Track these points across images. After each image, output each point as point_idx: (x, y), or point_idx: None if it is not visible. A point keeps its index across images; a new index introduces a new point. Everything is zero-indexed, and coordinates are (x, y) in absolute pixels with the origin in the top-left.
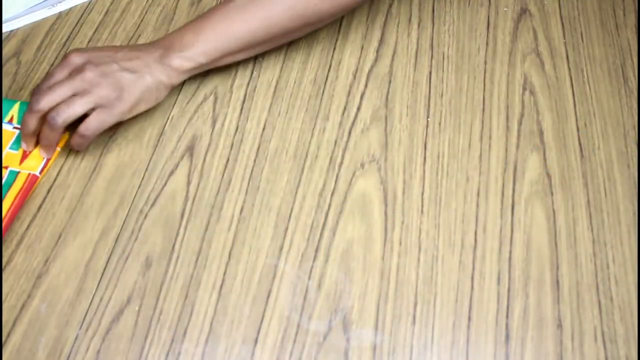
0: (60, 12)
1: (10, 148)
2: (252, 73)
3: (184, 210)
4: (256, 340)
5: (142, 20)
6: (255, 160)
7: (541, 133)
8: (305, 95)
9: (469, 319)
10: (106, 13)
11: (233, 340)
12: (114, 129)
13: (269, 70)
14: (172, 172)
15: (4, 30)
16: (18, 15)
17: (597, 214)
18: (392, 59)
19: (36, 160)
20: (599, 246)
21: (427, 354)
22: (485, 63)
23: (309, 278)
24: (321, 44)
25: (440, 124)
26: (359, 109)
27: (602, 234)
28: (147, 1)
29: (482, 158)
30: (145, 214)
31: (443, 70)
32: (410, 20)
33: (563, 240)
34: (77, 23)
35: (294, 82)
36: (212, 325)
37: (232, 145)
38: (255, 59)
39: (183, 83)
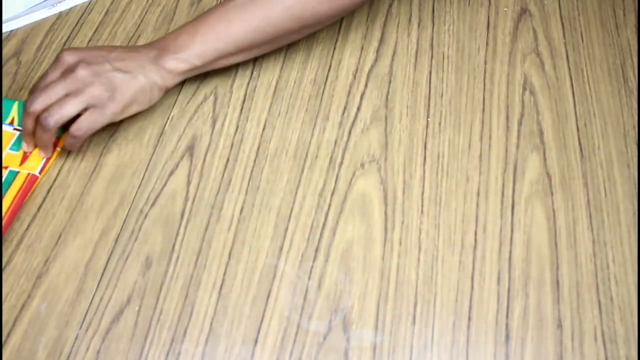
0: (60, 12)
1: (11, 149)
2: (252, 73)
3: (184, 210)
4: (256, 340)
5: (142, 20)
6: (255, 160)
7: (541, 133)
8: (305, 95)
9: (469, 319)
10: (106, 13)
11: (233, 340)
12: (114, 129)
13: (269, 71)
14: (172, 172)
15: (4, 30)
16: (18, 15)
17: (597, 214)
18: (392, 59)
19: (36, 161)
20: (599, 246)
21: (427, 354)
22: (485, 63)
23: (309, 278)
24: (321, 44)
25: (440, 124)
26: (359, 109)
27: (602, 234)
28: (147, 1)
29: (482, 158)
30: (145, 214)
31: (443, 70)
32: (410, 20)
33: (563, 240)
34: (77, 23)
35: (294, 82)
36: (212, 325)
37: (232, 145)
38: (255, 59)
39: (183, 83)
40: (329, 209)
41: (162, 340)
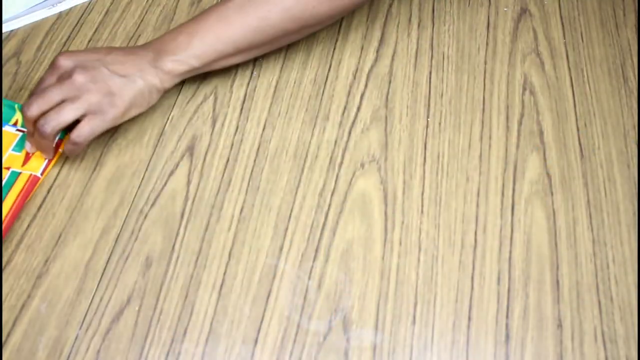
0: (60, 12)
1: (13, 150)
2: (252, 73)
3: (184, 210)
4: (256, 340)
5: (142, 20)
6: (255, 160)
7: (541, 133)
8: (305, 95)
9: (469, 319)
10: (106, 13)
11: (233, 340)
12: (114, 129)
13: (269, 71)
14: (172, 172)
15: (4, 30)
16: (18, 15)
17: (597, 214)
18: (392, 59)
19: (38, 162)
20: (599, 246)
21: (427, 354)
22: (485, 63)
23: (309, 278)
24: (321, 44)
25: (440, 124)
26: (359, 109)
27: (602, 234)
28: (147, 1)
29: (482, 158)
30: (145, 214)
31: (443, 70)
32: (410, 20)
33: (563, 240)
34: (77, 23)
35: (294, 82)
36: (212, 325)
37: (232, 145)
38: (255, 59)
39: (183, 83)
40: (329, 209)
41: (162, 340)
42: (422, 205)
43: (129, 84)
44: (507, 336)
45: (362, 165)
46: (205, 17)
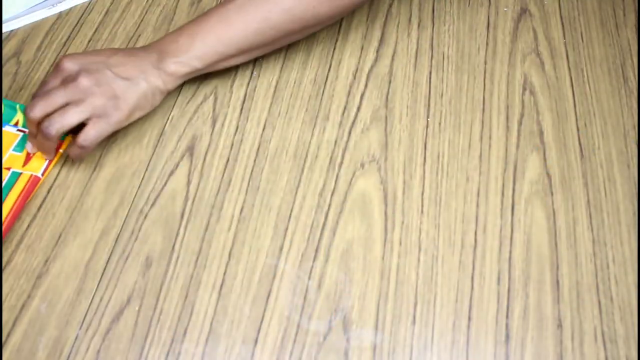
0: (60, 12)
1: (14, 150)
2: (252, 73)
3: (184, 210)
4: (256, 340)
5: (142, 20)
6: (255, 160)
7: (541, 133)
8: (305, 95)
9: (469, 319)
10: (106, 13)
11: (233, 340)
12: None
13: (269, 71)
14: (172, 172)
15: (4, 30)
16: (18, 15)
17: (597, 214)
18: (392, 59)
19: (39, 162)
20: (599, 246)
21: (427, 354)
22: (485, 63)
23: (309, 278)
24: (321, 44)
25: (440, 124)
26: (359, 109)
27: (602, 234)
28: (147, 1)
29: (482, 158)
30: (145, 214)
31: (443, 70)
32: (410, 20)
33: (563, 240)
34: (77, 23)
35: (294, 82)
36: (212, 325)
37: (232, 145)
38: (255, 59)
39: (183, 83)
40: (329, 209)
41: (162, 340)
42: (422, 205)
43: (132, 86)
44: (507, 336)
45: (362, 165)
46: (206, 18)
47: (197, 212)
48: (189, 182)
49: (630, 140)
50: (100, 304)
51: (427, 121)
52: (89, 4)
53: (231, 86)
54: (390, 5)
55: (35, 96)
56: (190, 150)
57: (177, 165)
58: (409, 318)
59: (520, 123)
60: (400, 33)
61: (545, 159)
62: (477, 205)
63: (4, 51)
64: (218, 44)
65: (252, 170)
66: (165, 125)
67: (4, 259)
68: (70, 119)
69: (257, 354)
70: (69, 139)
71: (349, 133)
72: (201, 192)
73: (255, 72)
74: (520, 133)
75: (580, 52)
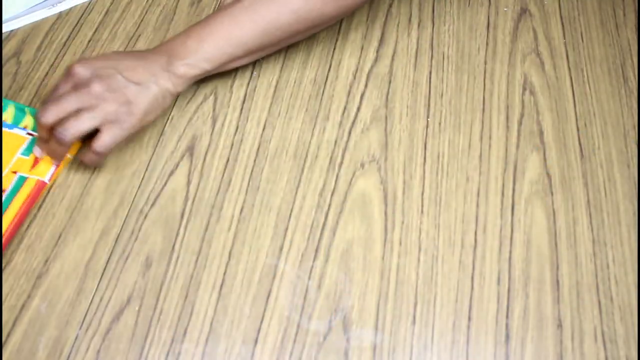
0: (60, 12)
1: (22, 154)
2: (252, 73)
3: (184, 210)
4: (256, 340)
5: (142, 20)
6: (255, 160)
7: (541, 133)
8: (305, 95)
9: (469, 319)
10: (106, 13)
11: (233, 340)
12: None
13: (269, 70)
14: (172, 172)
15: (4, 30)
16: (18, 15)
17: (597, 214)
18: (392, 59)
19: (46, 166)
20: (599, 246)
21: (427, 354)
22: (485, 63)
23: (309, 278)
24: (321, 44)
25: (440, 124)
26: (359, 109)
27: (602, 234)
28: (147, 1)
29: (482, 158)
30: (145, 214)
31: (443, 70)
32: (410, 20)
33: (563, 240)
34: (77, 23)
35: (294, 82)
36: (212, 325)
37: (232, 145)
38: None
39: None
40: (329, 208)
41: (162, 340)
42: (422, 205)
43: (144, 91)
44: (507, 336)
45: (362, 165)
46: (214, 20)
47: (197, 212)
48: (189, 182)
49: (630, 140)
50: (100, 304)
51: (427, 121)
52: (89, 4)
53: (231, 86)
54: (390, 5)
55: (46, 101)
56: (190, 150)
57: (177, 165)
58: (409, 318)
59: (520, 123)
60: (400, 33)
61: (545, 159)
62: (477, 205)
63: (4, 51)
64: (227, 46)
65: (252, 170)
66: (165, 125)
67: (4, 259)
68: (85, 124)
69: (257, 354)
70: (76, 144)
71: (349, 133)
72: (201, 192)
73: (255, 72)
74: (520, 133)
75: (580, 52)
